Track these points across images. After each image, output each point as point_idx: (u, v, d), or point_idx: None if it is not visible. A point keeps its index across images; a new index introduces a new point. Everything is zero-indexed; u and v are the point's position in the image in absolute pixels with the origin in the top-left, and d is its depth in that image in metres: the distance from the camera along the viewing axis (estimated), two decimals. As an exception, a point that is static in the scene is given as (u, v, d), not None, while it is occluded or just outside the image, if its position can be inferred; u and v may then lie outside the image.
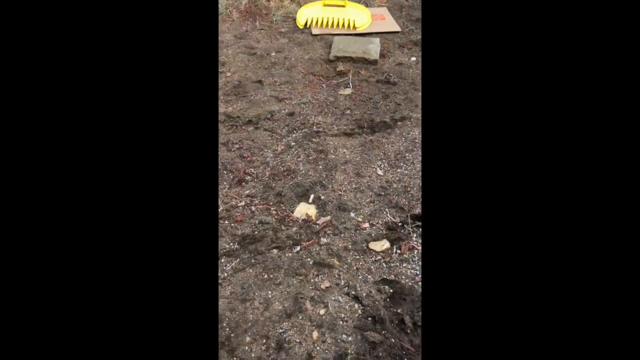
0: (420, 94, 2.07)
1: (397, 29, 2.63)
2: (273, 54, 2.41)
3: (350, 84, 2.15)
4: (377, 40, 2.43)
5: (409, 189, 1.53)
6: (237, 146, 1.75)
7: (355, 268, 1.27)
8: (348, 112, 1.97)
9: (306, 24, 2.65)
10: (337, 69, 2.26)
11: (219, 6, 2.83)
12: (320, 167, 1.65)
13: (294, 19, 2.75)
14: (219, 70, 2.24)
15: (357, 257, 1.30)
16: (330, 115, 1.94)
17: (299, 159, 1.69)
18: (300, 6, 2.85)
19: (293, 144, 1.77)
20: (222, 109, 1.97)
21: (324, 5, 2.73)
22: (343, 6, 2.71)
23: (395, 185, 1.55)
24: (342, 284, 1.23)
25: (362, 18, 2.65)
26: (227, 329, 1.11)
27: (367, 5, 2.93)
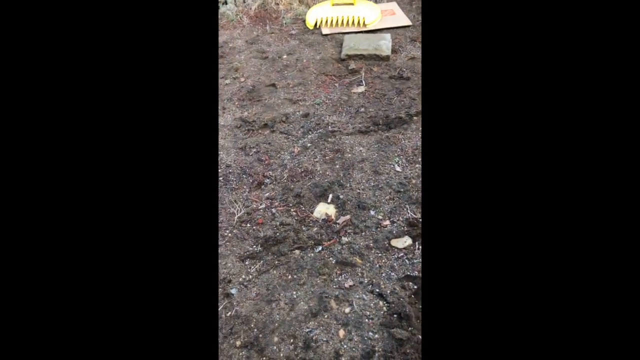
0: (434, 87, 2.05)
1: (408, 23, 2.61)
2: (285, 56, 2.43)
3: (363, 82, 2.15)
4: (388, 35, 2.41)
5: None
6: (254, 150, 1.78)
7: (378, 266, 1.27)
8: (362, 109, 1.96)
9: (316, 24, 2.66)
10: (349, 68, 2.26)
11: (230, 13, 2.88)
12: (337, 166, 1.65)
13: (304, 21, 2.77)
14: (233, 76, 2.28)
15: (380, 254, 1.30)
16: (344, 114, 1.95)
17: (315, 160, 1.70)
18: (309, 7, 2.86)
19: (309, 145, 1.78)
20: (237, 114, 2.00)
21: (333, 4, 2.73)
22: (352, 4, 2.70)
23: (414, 181, 1.54)
24: (366, 282, 1.23)
25: (371, 14, 2.63)
26: (255, 330, 1.13)
27: (376, 1, 2.92)
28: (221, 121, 1.97)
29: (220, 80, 2.26)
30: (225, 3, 2.96)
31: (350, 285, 1.22)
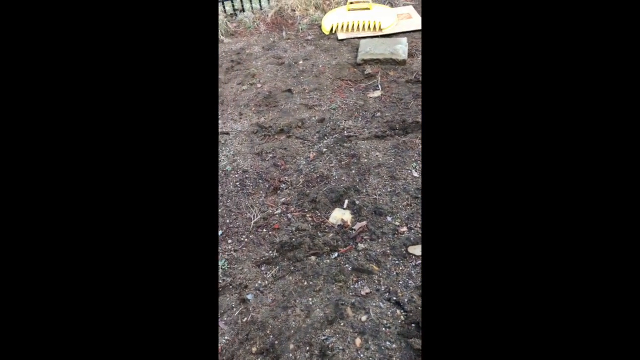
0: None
1: (425, 26, 2.58)
2: (301, 62, 2.44)
3: (379, 86, 2.14)
4: (404, 39, 2.39)
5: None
6: (270, 155, 1.79)
7: (395, 273, 1.25)
8: (378, 114, 1.95)
9: (332, 29, 2.66)
10: (365, 72, 2.25)
11: (247, 20, 2.92)
12: (353, 171, 1.64)
13: (320, 26, 2.78)
14: (250, 82, 2.31)
15: (397, 262, 1.28)
16: (360, 119, 1.94)
17: (331, 165, 1.69)
18: (325, 12, 2.87)
19: (325, 150, 1.78)
20: (254, 119, 2.02)
21: (349, 9, 2.73)
22: (368, 8, 2.70)
23: (431, 187, 1.51)
24: (383, 289, 1.21)
25: (387, 18, 2.62)
26: (271, 336, 1.13)
27: (392, 5, 2.90)
28: (238, 127, 1.99)
29: (237, 87, 2.29)
30: (243, 10, 3.00)
31: (366, 293, 1.20)
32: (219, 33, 2.81)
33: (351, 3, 2.73)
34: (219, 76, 2.40)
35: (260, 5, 3.03)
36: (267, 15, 2.95)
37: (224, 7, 2.96)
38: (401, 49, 2.29)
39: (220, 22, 2.87)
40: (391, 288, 1.21)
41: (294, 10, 2.95)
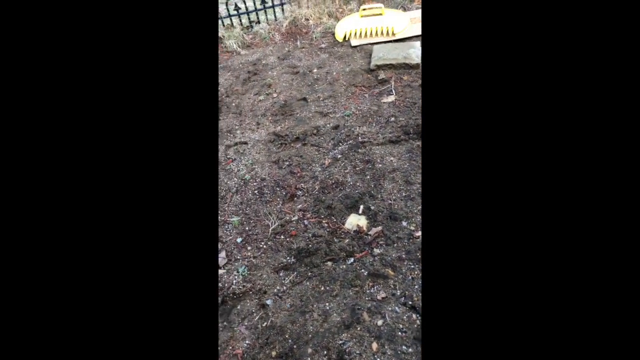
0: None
1: (438, 28, 2.57)
2: (315, 70, 2.49)
3: (393, 91, 2.15)
4: (417, 43, 2.39)
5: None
6: (287, 163, 1.84)
7: (410, 278, 1.26)
8: (392, 119, 1.96)
9: (345, 36, 2.70)
10: (379, 78, 2.27)
11: (262, 31, 3.01)
12: (368, 177, 1.66)
13: (333, 34, 2.82)
14: (266, 92, 2.38)
15: (412, 266, 1.29)
16: (374, 124, 1.96)
17: (346, 171, 1.72)
18: (338, 20, 2.91)
19: (339, 156, 1.81)
20: (270, 129, 2.08)
21: (362, 16, 2.76)
22: (380, 14, 2.72)
23: (447, 191, 1.51)
24: (399, 294, 1.22)
25: (400, 23, 2.63)
26: (290, 341, 1.16)
27: (404, 9, 2.91)
28: (256, 136, 2.05)
29: (254, 97, 2.36)
30: (258, 22, 3.09)
31: (382, 298, 1.22)
32: (236, 45, 2.91)
33: (364, 10, 2.76)
34: (237, 87, 2.49)
35: (275, 16, 3.11)
36: (282, 26, 3.03)
37: (240, 20, 3.06)
38: (414, 52, 2.30)
39: (236, 34, 2.97)
40: (407, 293, 1.22)
41: (308, 20, 3.01)
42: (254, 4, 3.03)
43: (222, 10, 3.12)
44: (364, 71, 2.37)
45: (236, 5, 2.98)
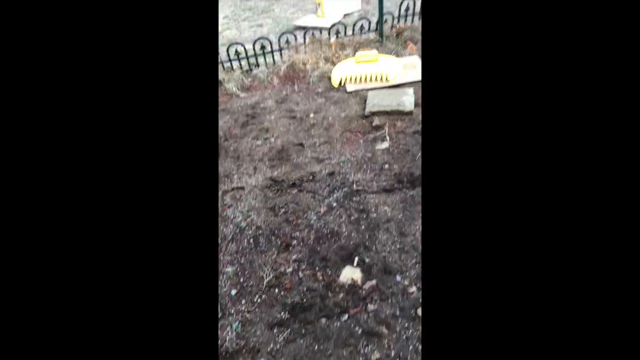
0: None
1: (430, 75, 2.68)
2: (311, 115, 2.57)
3: (387, 137, 2.21)
4: (410, 90, 2.49)
5: (454, 247, 1.50)
6: (282, 210, 1.86)
7: (404, 337, 1.25)
8: (386, 166, 2.01)
9: (340, 82, 2.81)
10: (373, 124, 2.34)
11: (261, 75, 3.12)
12: (363, 227, 1.68)
13: (329, 78, 2.94)
14: (264, 137, 2.44)
15: (406, 324, 1.29)
16: (369, 171, 2.00)
17: (341, 220, 1.74)
18: (334, 65, 3.04)
19: (335, 204, 1.84)
20: (267, 174, 2.12)
21: (357, 61, 2.89)
22: (375, 60, 2.84)
23: (440, 244, 1.53)
24: (393, 354, 1.21)
25: (394, 70, 2.75)
26: (282, 405, 1.14)
27: (398, 55, 3.05)
28: (252, 181, 2.09)
29: (252, 141, 2.42)
30: (257, 66, 3.22)
31: (377, 358, 1.21)
32: (236, 88, 3.01)
33: (359, 56, 2.88)
34: (235, 131, 2.55)
35: (273, 60, 3.24)
36: (280, 70, 3.15)
37: (240, 64, 3.19)
38: (407, 100, 2.39)
39: (236, 77, 3.08)
40: (401, 353, 1.21)
41: (305, 64, 3.14)
42: (254, 48, 3.16)
43: (222, 54, 3.25)
44: (359, 117, 2.45)
45: (236, 50, 3.11)
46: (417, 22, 3.37)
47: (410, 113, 2.35)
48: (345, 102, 2.63)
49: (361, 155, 2.13)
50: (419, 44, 3.15)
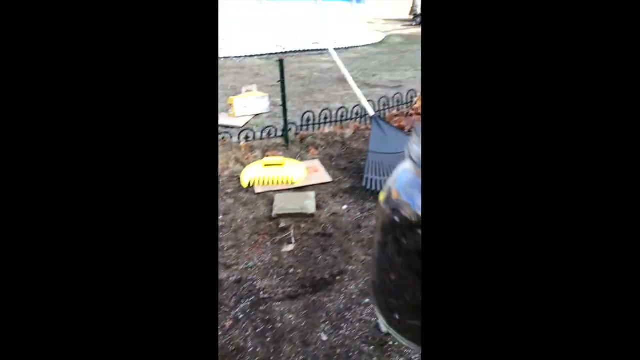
0: (353, 244, 2.36)
1: (329, 179, 3.08)
2: (221, 217, 2.66)
3: (293, 240, 2.40)
4: (312, 194, 2.81)
5: (350, 354, 1.65)
6: (186, 327, 1.81)
7: None
8: (292, 270, 2.16)
9: (249, 183, 3.01)
10: (280, 226, 2.53)
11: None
12: (268, 339, 1.73)
13: (239, 179, 3.13)
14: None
15: None
16: (275, 276, 2.12)
17: (247, 334, 1.77)
18: (244, 166, 3.27)
19: (241, 316, 1.87)
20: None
21: (265, 165, 3.17)
22: (281, 164, 3.16)
23: (338, 351, 1.66)
24: None
25: (298, 173, 3.08)
26: None
27: (301, 159, 3.44)
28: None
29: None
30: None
31: None
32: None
33: (266, 161, 3.18)
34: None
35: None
36: (191, 169, 3.24)
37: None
38: (309, 204, 2.68)
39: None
40: None
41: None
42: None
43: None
44: (267, 219, 2.63)
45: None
46: (317, 131, 3.91)
47: (312, 215, 2.62)
48: (253, 204, 2.80)
49: (268, 259, 2.25)
50: (320, 149, 3.63)
